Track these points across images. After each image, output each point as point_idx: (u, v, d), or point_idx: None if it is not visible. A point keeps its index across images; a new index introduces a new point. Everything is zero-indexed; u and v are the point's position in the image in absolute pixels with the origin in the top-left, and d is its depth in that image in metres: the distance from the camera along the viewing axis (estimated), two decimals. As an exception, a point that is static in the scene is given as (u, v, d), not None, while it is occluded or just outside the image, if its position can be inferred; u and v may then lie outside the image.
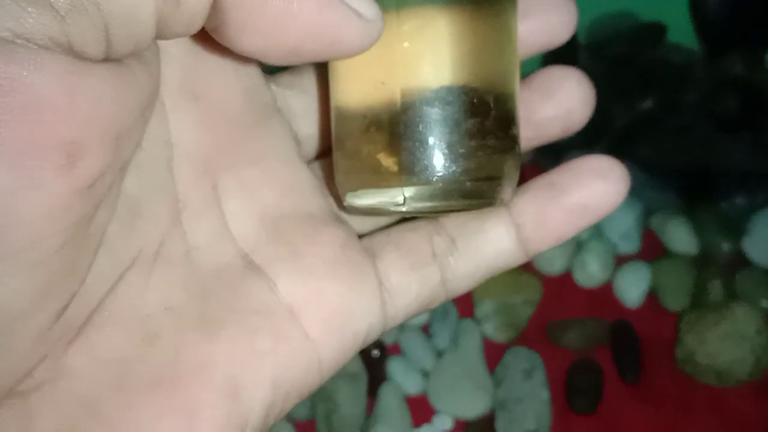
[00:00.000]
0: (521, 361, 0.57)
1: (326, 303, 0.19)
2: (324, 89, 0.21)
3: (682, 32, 0.77)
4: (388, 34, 0.18)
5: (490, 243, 0.21)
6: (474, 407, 0.56)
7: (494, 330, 0.60)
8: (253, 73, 0.20)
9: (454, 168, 0.18)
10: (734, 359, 0.57)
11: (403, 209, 0.19)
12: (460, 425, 0.56)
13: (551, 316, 0.61)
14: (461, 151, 0.18)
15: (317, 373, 0.19)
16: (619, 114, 0.72)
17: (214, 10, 0.16)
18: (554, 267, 0.64)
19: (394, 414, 0.55)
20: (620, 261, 0.65)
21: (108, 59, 0.14)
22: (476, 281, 0.21)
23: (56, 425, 0.15)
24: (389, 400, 0.56)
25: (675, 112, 0.72)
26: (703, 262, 0.65)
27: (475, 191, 0.19)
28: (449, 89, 0.18)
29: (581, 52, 0.76)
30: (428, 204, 0.19)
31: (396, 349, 0.59)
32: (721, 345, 0.57)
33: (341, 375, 0.55)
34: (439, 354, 0.59)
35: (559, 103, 0.20)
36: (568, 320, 0.60)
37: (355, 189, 0.19)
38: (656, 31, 0.76)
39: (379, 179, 0.19)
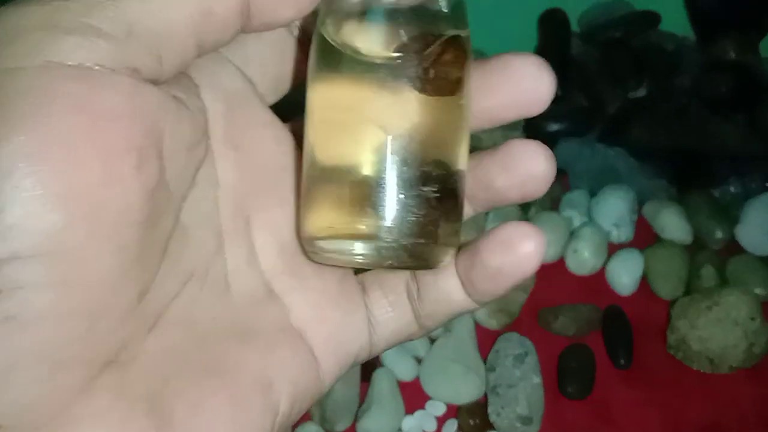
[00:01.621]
0: (513, 346, 0.57)
1: (328, 328, 0.23)
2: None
3: (675, 22, 0.77)
4: (345, 107, 0.21)
5: (443, 294, 0.24)
6: (466, 392, 0.56)
7: (487, 316, 0.60)
8: (279, 124, 0.24)
9: (402, 231, 0.21)
10: (727, 345, 0.57)
11: (359, 260, 0.22)
12: (453, 410, 0.56)
13: (544, 302, 0.61)
14: (411, 218, 0.21)
15: (321, 384, 0.22)
16: (611, 100, 0.72)
17: (244, 15, 0.19)
18: (547, 255, 0.64)
19: (388, 399, 0.56)
20: (613, 248, 0.65)
21: (164, 75, 0.19)
22: (440, 322, 0.24)
23: (145, 390, 0.19)
24: (382, 385, 0.56)
25: (668, 98, 0.72)
26: (695, 250, 0.65)
27: (418, 254, 0.22)
28: (406, 164, 0.21)
29: (575, 39, 0.76)
30: (379, 259, 0.22)
31: (389, 335, 0.59)
32: (713, 330, 0.57)
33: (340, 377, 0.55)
34: (432, 340, 0.59)
35: (516, 174, 0.23)
36: (561, 306, 0.60)
37: (321, 236, 0.22)
38: (650, 18, 0.76)
39: (341, 232, 0.22)
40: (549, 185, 0.23)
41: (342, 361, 0.23)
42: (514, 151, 0.22)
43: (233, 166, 0.22)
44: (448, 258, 0.23)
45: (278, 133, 0.24)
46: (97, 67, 0.17)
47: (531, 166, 0.22)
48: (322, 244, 0.22)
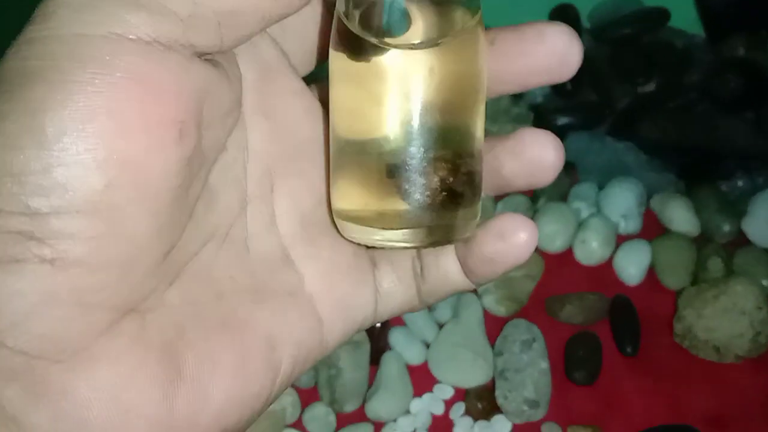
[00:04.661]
0: (521, 332, 0.58)
1: (337, 297, 0.24)
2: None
3: (684, 19, 0.77)
4: (367, 86, 0.22)
5: (443, 273, 0.25)
6: (474, 376, 0.57)
7: (495, 303, 0.60)
8: (309, 94, 0.25)
9: (426, 213, 0.22)
10: (733, 334, 0.57)
11: (383, 243, 0.23)
12: (461, 394, 0.57)
13: (552, 291, 0.62)
14: (434, 198, 0.22)
15: (324, 348, 0.24)
16: (621, 95, 0.73)
17: None
18: (555, 245, 0.64)
19: (396, 382, 0.56)
20: (621, 240, 0.65)
21: (223, 48, 0.20)
22: (440, 299, 0.26)
23: (159, 339, 0.20)
24: (391, 368, 0.57)
25: (677, 94, 0.73)
26: (702, 242, 0.65)
27: (441, 233, 0.23)
28: (428, 144, 0.22)
29: (585, 35, 0.76)
30: (403, 240, 0.23)
31: (398, 320, 0.60)
32: (720, 320, 0.57)
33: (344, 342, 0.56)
34: (441, 326, 0.60)
35: (524, 161, 0.24)
36: (568, 295, 0.61)
37: (347, 216, 0.24)
38: (659, 14, 0.77)
39: (365, 214, 0.23)
40: (556, 175, 0.24)
41: (347, 328, 0.25)
42: (524, 139, 0.24)
43: (263, 134, 0.23)
44: (467, 234, 0.24)
45: (308, 102, 0.25)
46: (155, 43, 0.18)
47: (540, 154, 0.23)
48: (347, 224, 0.23)
